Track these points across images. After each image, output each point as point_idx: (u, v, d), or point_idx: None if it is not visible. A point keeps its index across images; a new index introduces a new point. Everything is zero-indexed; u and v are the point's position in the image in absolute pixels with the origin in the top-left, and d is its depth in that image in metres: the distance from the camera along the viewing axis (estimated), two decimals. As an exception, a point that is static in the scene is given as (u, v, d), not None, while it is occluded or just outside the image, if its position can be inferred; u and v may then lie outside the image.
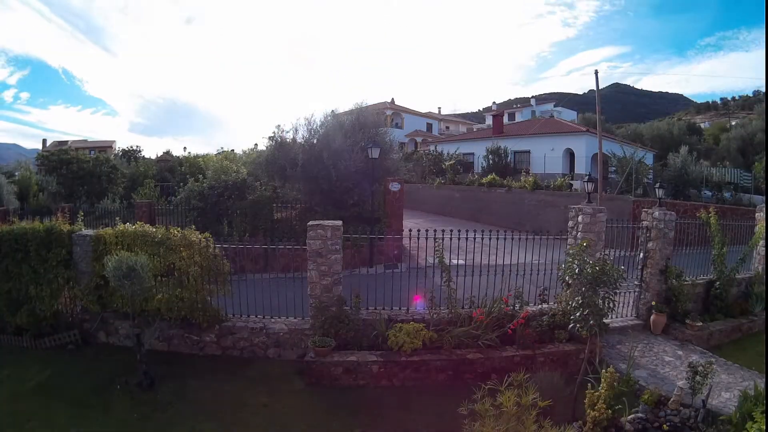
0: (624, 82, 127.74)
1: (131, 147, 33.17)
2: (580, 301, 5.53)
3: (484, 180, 21.37)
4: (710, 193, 20.04)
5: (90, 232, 7.32)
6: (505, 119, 40.98)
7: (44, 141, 51.53)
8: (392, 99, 45.97)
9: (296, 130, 14.34)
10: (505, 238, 7.48)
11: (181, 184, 15.28)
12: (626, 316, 8.40)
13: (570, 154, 24.08)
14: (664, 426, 4.76)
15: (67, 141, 51.96)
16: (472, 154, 27.57)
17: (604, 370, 4.95)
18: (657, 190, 9.49)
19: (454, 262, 7.43)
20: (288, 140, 14.39)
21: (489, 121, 44.37)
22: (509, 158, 24.63)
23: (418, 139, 41.27)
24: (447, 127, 52.34)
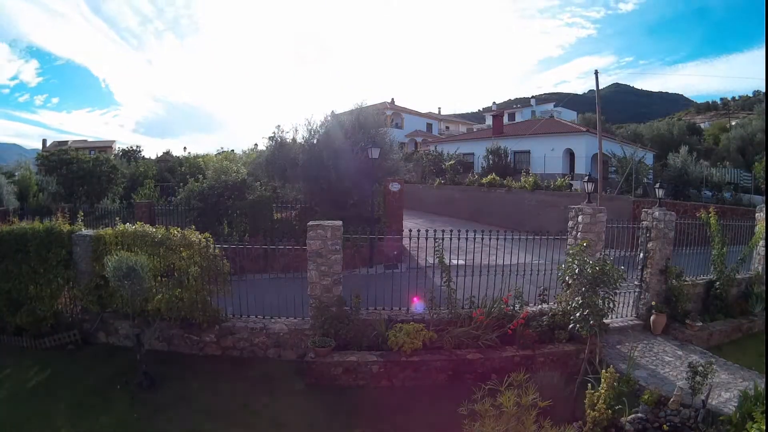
0: (624, 82, 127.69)
1: (131, 147, 33.22)
2: (580, 302, 5.54)
3: (484, 180, 21.34)
4: (710, 193, 19.99)
5: (90, 232, 7.32)
6: (505, 119, 40.98)
7: (44, 141, 51.46)
8: (392, 99, 45.89)
9: (296, 130, 14.36)
10: (505, 238, 7.47)
11: (181, 184, 15.26)
12: (626, 316, 8.39)
13: (570, 154, 24.08)
14: (664, 426, 4.76)
15: (67, 141, 51.91)
16: (472, 154, 27.57)
17: (604, 370, 4.96)
18: (657, 190, 9.46)
19: (454, 262, 7.43)
20: (288, 140, 14.39)
21: (489, 121, 44.33)
22: (509, 158, 24.61)
23: (418, 139, 41.25)
24: (447, 127, 52.31)
